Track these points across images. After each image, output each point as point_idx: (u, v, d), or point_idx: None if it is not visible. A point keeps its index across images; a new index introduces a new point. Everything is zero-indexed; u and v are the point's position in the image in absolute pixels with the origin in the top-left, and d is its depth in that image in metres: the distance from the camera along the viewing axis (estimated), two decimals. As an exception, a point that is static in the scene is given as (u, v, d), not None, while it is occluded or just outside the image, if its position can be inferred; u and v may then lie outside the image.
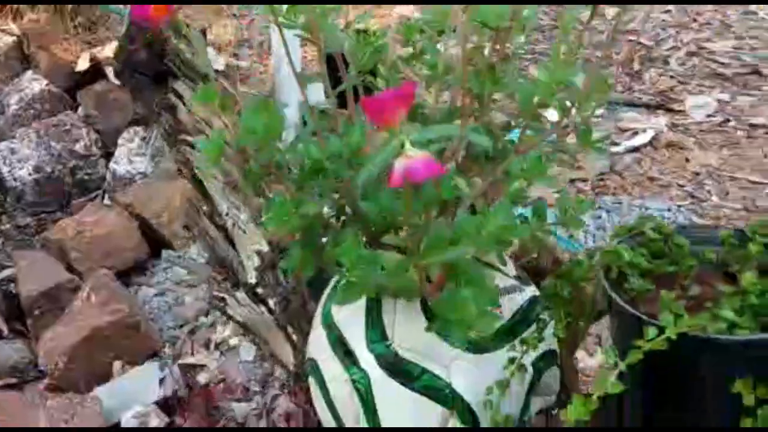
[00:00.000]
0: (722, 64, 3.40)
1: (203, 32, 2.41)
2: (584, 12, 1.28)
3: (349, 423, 1.27)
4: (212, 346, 2.07)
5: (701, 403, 0.95)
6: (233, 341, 2.06)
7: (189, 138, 1.68)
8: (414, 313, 1.23)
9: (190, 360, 2.00)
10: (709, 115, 3.12)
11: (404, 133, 0.76)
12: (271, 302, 1.53)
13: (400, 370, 1.21)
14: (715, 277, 1.01)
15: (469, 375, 1.21)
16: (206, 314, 2.15)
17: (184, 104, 1.56)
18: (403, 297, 1.20)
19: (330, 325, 1.29)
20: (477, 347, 1.22)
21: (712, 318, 0.90)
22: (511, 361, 1.17)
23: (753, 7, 3.68)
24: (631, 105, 3.24)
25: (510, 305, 1.27)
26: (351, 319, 1.27)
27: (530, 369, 1.25)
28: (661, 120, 3.14)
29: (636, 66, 3.45)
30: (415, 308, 1.23)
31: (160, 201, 2.41)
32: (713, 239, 1.05)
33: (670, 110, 3.19)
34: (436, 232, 0.97)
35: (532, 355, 1.25)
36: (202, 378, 1.94)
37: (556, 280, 1.12)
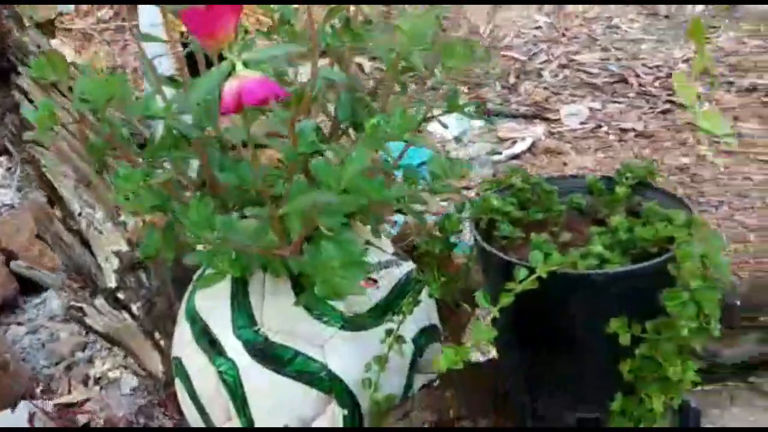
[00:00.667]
0: (591, 74, 3.53)
1: (51, 22, 2.25)
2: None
3: (217, 418, 1.15)
4: (91, 381, 1.91)
5: (577, 345, 0.91)
6: (113, 374, 1.92)
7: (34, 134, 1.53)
8: (283, 293, 1.14)
9: (67, 399, 1.84)
10: (582, 122, 3.22)
11: (236, 51, 0.69)
12: (134, 307, 1.41)
13: (271, 356, 1.11)
14: (585, 223, 0.98)
15: (346, 354, 1.13)
16: (83, 349, 2.01)
17: (30, 101, 1.43)
18: (269, 271, 1.11)
19: (193, 317, 1.19)
20: (353, 325, 1.14)
21: (582, 256, 0.87)
22: (388, 333, 1.10)
23: (616, 21, 3.86)
24: (510, 116, 3.31)
25: (388, 280, 1.20)
26: (215, 306, 1.16)
27: (411, 345, 1.18)
28: (538, 128, 3.21)
29: (512, 79, 3.53)
30: (284, 288, 1.14)
31: (28, 233, 2.26)
32: (581, 187, 1.03)
33: (546, 119, 3.26)
34: (294, 184, 0.89)
35: (412, 329, 1.18)
36: (82, 417, 1.78)
37: (428, 238, 1.07)
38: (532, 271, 0.85)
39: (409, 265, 1.23)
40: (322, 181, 0.85)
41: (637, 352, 0.88)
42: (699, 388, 0.99)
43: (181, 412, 1.28)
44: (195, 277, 1.26)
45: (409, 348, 1.18)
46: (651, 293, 0.86)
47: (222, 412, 1.15)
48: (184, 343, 1.20)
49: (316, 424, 1.13)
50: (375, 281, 1.19)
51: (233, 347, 1.12)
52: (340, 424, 1.13)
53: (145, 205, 1.02)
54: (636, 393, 0.90)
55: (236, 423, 1.14)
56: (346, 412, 1.13)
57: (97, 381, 1.90)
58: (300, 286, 1.12)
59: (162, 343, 1.41)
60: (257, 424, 1.13)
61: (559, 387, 0.95)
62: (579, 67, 3.60)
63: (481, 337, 0.83)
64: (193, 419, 1.20)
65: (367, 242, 1.22)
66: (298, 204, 0.87)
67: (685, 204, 0.93)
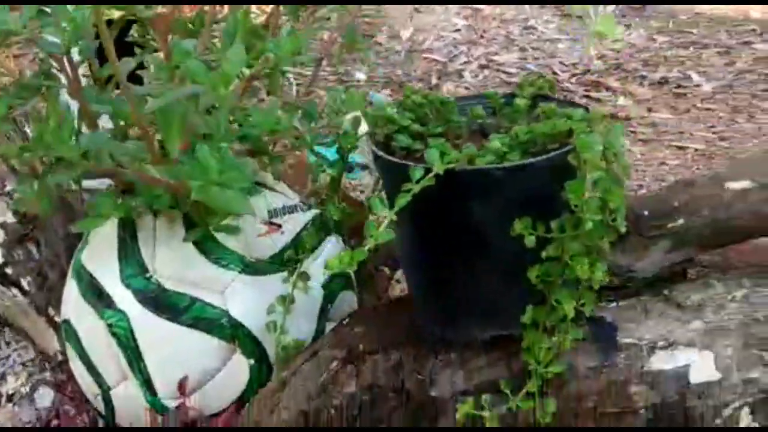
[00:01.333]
0: (511, 74, 3.56)
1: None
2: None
3: (111, 377, 1.06)
4: (3, 400, 1.77)
5: (482, 256, 0.86)
6: (26, 389, 1.78)
7: None
8: (176, 238, 1.05)
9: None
10: (503, 118, 3.24)
11: None
12: (24, 282, 1.30)
13: (165, 304, 1.02)
14: (486, 136, 0.93)
15: (249, 299, 1.05)
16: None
17: None
18: (157, 211, 1.02)
19: (79, 272, 1.09)
20: (255, 269, 1.07)
21: (480, 153, 0.82)
22: (291, 272, 1.03)
23: (532, 22, 3.92)
24: (432, 115, 3.30)
25: (292, 225, 1.13)
26: (101, 257, 1.07)
27: (320, 290, 1.11)
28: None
29: (434, 80, 3.53)
30: (177, 233, 1.05)
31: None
32: (482, 103, 0.99)
33: (468, 116, 3.27)
34: (167, 90, 0.82)
35: (321, 277, 1.11)
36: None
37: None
38: (428, 170, 0.80)
39: (315, 212, 1.17)
40: (192, 74, 0.78)
41: (544, 255, 0.83)
42: (614, 304, 0.95)
43: (82, 393, 1.18)
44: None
45: (318, 293, 1.11)
46: (554, 192, 0.82)
47: (116, 370, 1.06)
48: (71, 302, 1.11)
49: (220, 376, 1.05)
50: (279, 226, 1.12)
51: (122, 297, 1.03)
52: (247, 375, 1.05)
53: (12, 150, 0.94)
54: (546, 302, 0.86)
55: (132, 381, 1.05)
56: (252, 361, 1.05)
57: (9, 398, 1.76)
58: (193, 227, 1.04)
59: (56, 319, 1.30)
60: (155, 379, 1.04)
61: (468, 306, 0.90)
62: (498, 67, 3.62)
63: (377, 236, 0.77)
64: (87, 385, 1.10)
65: (270, 188, 1.15)
66: (165, 98, 0.79)
67: (584, 106, 0.90)
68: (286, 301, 1.02)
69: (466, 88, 3.61)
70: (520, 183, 0.82)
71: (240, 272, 1.05)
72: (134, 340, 1.03)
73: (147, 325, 1.02)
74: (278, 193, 1.15)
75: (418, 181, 0.80)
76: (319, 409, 0.95)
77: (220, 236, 1.06)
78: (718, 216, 0.91)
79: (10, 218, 1.31)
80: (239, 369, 1.05)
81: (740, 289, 0.95)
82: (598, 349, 0.93)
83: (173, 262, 1.04)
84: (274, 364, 1.05)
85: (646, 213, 0.95)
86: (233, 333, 1.03)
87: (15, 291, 1.32)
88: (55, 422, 1.31)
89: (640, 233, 0.95)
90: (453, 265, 0.88)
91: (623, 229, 0.83)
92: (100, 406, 1.10)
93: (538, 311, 0.87)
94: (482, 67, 3.75)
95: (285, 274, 1.07)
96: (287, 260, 1.09)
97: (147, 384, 1.04)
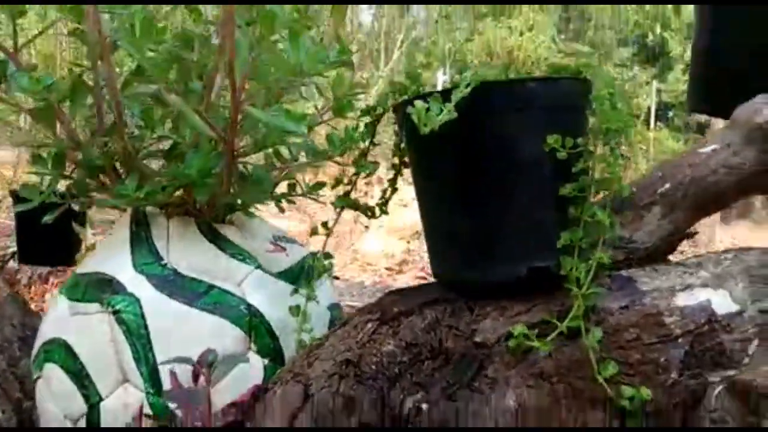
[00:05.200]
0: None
1: None
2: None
3: (106, 382, 0.90)
4: None
5: (516, 170, 0.89)
6: None
7: None
8: (190, 235, 1.02)
9: None
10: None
11: None
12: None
13: (181, 289, 0.95)
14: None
15: (266, 293, 0.99)
16: None
17: None
18: (176, 214, 1.01)
19: (73, 285, 0.99)
20: (269, 272, 1.04)
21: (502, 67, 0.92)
22: (296, 290, 1.00)
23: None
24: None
25: (293, 253, 1.11)
26: (111, 253, 0.99)
27: (327, 312, 1.07)
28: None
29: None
30: (191, 233, 1.03)
31: None
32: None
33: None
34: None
35: (324, 299, 1.08)
36: None
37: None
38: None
39: (309, 250, 1.17)
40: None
41: (574, 169, 0.90)
42: (624, 272, 0.99)
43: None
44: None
45: (325, 313, 1.08)
46: (579, 108, 0.92)
47: (114, 372, 0.92)
48: (56, 318, 0.99)
49: (233, 373, 0.94)
50: (284, 248, 1.11)
51: (134, 282, 0.95)
52: (261, 374, 0.96)
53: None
54: (580, 223, 0.89)
55: (133, 382, 0.92)
56: (267, 361, 0.96)
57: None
58: (212, 232, 1.02)
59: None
60: (162, 371, 0.92)
61: (503, 242, 0.91)
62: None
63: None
64: (62, 408, 0.93)
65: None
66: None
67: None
68: (300, 309, 0.98)
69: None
70: (552, 96, 0.91)
71: (256, 268, 1.02)
72: (145, 326, 0.93)
73: (160, 308, 0.94)
74: (277, 227, 1.16)
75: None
76: (363, 356, 0.88)
77: (236, 238, 1.04)
78: (697, 174, 1.03)
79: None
80: (253, 367, 0.96)
81: (729, 253, 1.03)
82: (624, 295, 0.95)
83: (189, 254, 1.00)
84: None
85: (635, 189, 1.06)
86: (251, 322, 0.96)
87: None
88: None
89: (634, 203, 1.04)
90: (488, 197, 0.92)
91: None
92: (80, 424, 0.94)
93: (574, 233, 0.91)
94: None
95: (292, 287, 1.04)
96: (293, 282, 1.06)
97: (152, 377, 0.92)
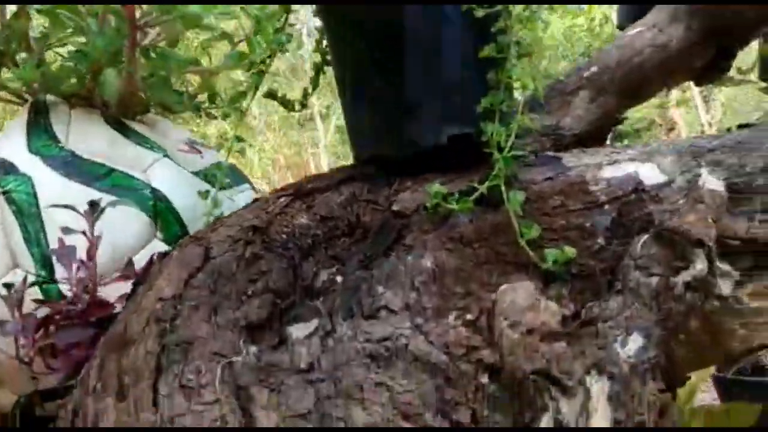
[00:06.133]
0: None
1: None
2: None
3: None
4: None
5: (432, 38, 0.85)
6: None
7: None
8: (95, 123, 0.96)
9: None
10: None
11: None
12: None
13: (79, 170, 0.88)
14: None
15: (173, 180, 0.93)
16: None
17: None
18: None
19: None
20: (179, 164, 0.98)
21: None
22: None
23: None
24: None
25: (211, 156, 1.06)
26: (6, 138, 0.94)
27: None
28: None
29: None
30: (95, 120, 0.96)
31: None
32: None
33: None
34: None
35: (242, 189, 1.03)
36: None
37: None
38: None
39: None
40: None
41: (494, 29, 0.85)
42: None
43: None
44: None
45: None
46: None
47: (3, 253, 0.85)
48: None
49: (138, 258, 0.88)
50: (199, 151, 1.06)
51: (27, 163, 0.88)
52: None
53: None
54: (500, 86, 0.86)
55: (25, 262, 0.85)
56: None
57: None
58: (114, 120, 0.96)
59: None
60: (54, 254, 0.85)
61: (424, 110, 0.86)
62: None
63: None
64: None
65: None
66: None
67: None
68: (216, 186, 0.92)
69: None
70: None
71: (164, 156, 0.96)
72: (36, 205, 0.86)
73: (54, 188, 0.87)
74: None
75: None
76: (272, 224, 0.82)
77: (144, 131, 0.98)
78: (624, 56, 1.00)
79: None
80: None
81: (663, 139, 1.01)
82: (549, 169, 0.91)
83: (90, 138, 0.93)
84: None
85: (561, 77, 1.03)
86: (156, 207, 0.90)
87: None
88: None
89: (561, 90, 1.01)
90: (403, 65, 0.87)
91: None
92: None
93: (494, 97, 0.87)
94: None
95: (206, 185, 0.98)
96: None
97: (44, 261, 0.85)
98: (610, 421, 0.66)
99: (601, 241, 0.85)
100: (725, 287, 0.88)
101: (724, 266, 0.88)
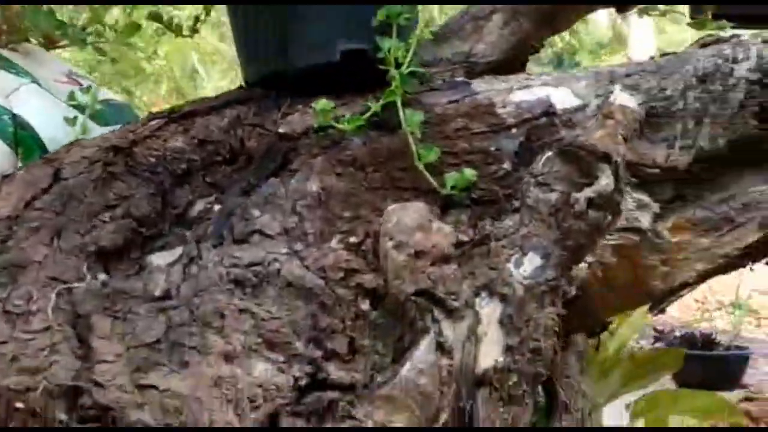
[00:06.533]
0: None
1: None
2: None
3: None
4: None
5: None
6: None
7: None
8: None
9: None
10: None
11: None
12: None
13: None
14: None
15: (38, 107, 0.83)
16: None
17: None
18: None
19: None
20: (49, 91, 0.88)
21: None
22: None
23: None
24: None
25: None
26: None
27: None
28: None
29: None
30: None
31: None
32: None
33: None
34: None
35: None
36: None
37: None
38: None
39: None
40: None
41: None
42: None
43: None
44: None
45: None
46: None
47: None
48: None
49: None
50: (79, 83, 0.96)
51: None
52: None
53: None
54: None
55: None
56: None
57: None
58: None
59: None
60: None
61: (320, 24, 0.78)
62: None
63: None
64: None
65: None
66: None
67: None
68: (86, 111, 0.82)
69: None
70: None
71: (31, 82, 0.86)
72: None
73: None
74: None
75: None
76: (139, 146, 0.73)
77: (14, 57, 0.88)
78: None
79: None
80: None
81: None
82: (456, 93, 0.84)
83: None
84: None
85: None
86: (16, 135, 0.81)
87: None
88: None
89: (473, 15, 0.94)
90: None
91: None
92: None
93: (390, 9, 0.79)
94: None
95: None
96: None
97: None
98: (502, 347, 0.59)
99: (507, 166, 0.78)
100: (644, 220, 0.82)
101: (642, 197, 0.82)
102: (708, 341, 2.56)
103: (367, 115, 0.75)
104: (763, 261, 0.93)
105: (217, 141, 0.77)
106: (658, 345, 2.61)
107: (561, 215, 0.64)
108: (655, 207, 0.81)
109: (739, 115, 0.78)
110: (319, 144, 0.75)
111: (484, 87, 0.85)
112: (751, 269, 0.94)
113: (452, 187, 0.74)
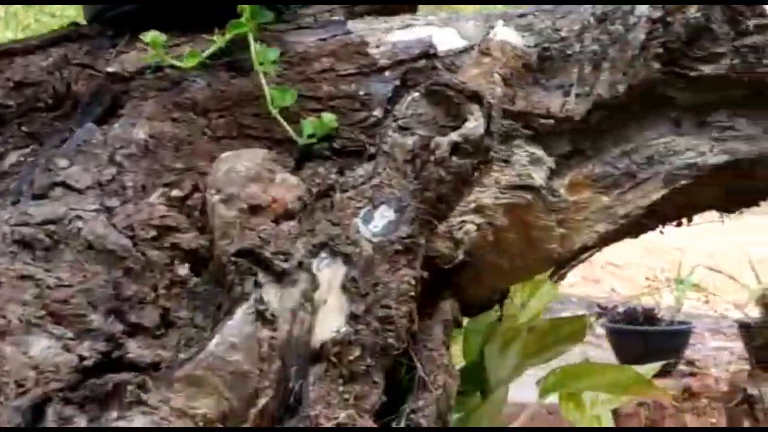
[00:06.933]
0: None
1: None
2: None
3: None
4: None
5: None
6: None
7: None
8: None
9: None
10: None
11: None
12: None
13: None
14: None
15: None
16: None
17: None
18: None
19: None
20: None
21: None
22: None
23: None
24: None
25: None
26: None
27: None
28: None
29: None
30: None
31: None
32: None
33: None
34: None
35: None
36: None
37: None
38: None
39: None
40: None
41: None
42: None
43: None
44: None
45: None
46: None
47: None
48: None
49: None
50: None
51: None
52: None
53: None
54: None
55: None
56: None
57: None
58: None
59: None
60: None
61: None
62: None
63: None
64: None
65: None
66: None
67: None
68: None
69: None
70: None
71: None
72: None
73: None
74: None
75: None
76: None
77: None
78: None
79: None
80: None
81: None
82: (326, 31, 0.74)
83: None
84: None
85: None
86: None
87: None
88: None
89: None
90: None
91: None
92: None
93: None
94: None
95: None
96: None
97: None
98: (346, 316, 0.50)
99: (377, 113, 0.68)
100: (538, 176, 0.73)
101: (536, 150, 0.73)
102: (650, 316, 2.52)
103: (210, 50, 0.65)
104: (674, 223, 0.85)
105: (37, 83, 0.66)
106: (601, 321, 2.56)
107: (419, 162, 0.54)
108: (550, 162, 0.73)
109: (640, 58, 0.70)
110: (156, 86, 0.65)
111: (361, 26, 0.75)
112: (661, 232, 0.86)
113: (310, 136, 0.64)
